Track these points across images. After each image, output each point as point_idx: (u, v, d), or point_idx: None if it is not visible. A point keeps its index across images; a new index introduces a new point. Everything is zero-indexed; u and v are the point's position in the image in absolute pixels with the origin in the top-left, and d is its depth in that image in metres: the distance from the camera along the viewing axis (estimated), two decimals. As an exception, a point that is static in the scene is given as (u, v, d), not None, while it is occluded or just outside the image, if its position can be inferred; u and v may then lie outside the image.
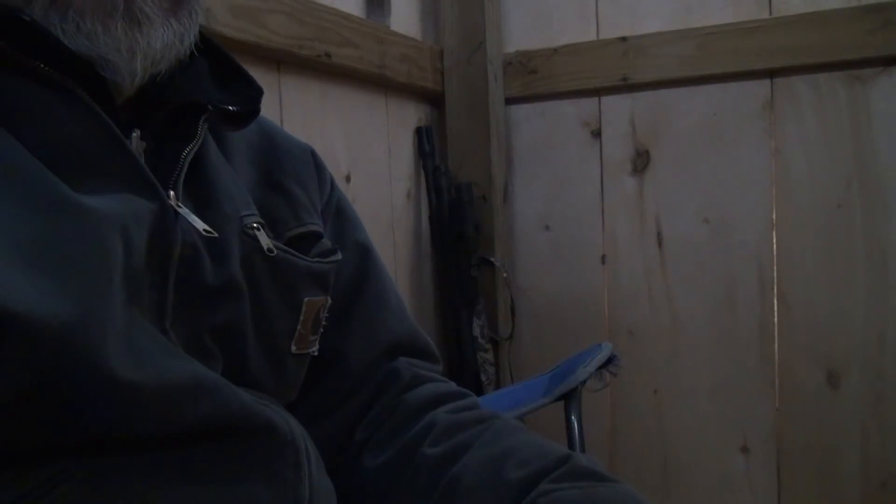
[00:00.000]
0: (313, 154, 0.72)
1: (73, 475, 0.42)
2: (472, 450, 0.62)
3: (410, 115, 1.59)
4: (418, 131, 1.59)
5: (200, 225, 0.51)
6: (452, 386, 0.73)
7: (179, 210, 0.50)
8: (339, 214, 0.73)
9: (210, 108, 0.56)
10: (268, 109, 1.16)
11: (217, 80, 0.60)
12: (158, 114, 0.55)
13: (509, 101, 1.70)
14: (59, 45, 0.46)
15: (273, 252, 0.58)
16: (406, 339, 0.72)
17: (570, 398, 1.15)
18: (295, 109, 1.23)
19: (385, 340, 0.71)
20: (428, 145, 1.58)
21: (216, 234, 0.52)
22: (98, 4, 0.47)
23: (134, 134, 0.51)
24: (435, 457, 0.63)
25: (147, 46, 0.50)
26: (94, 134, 0.47)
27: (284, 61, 1.19)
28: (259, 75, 1.15)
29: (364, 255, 0.73)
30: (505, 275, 1.64)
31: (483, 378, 1.56)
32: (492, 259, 1.62)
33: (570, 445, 1.15)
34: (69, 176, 0.44)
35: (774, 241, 1.53)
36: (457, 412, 0.67)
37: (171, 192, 0.51)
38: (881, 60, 1.43)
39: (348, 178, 1.36)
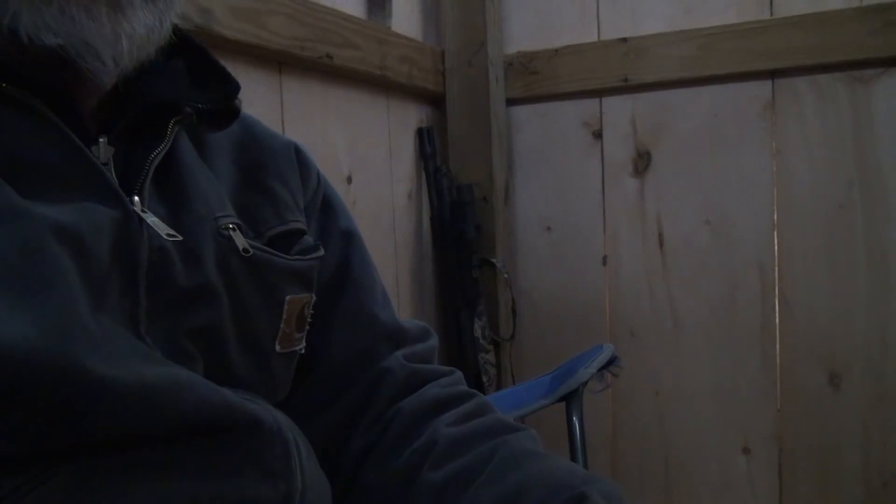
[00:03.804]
0: (297, 150, 0.71)
1: (61, 471, 0.42)
2: (480, 483, 0.59)
3: (411, 117, 1.59)
4: (419, 132, 1.59)
5: (164, 229, 0.51)
6: (455, 384, 0.71)
7: (143, 216, 0.50)
8: (325, 208, 0.72)
9: (183, 108, 0.56)
10: (269, 111, 1.16)
11: (195, 79, 0.60)
12: (128, 117, 0.54)
13: (510, 101, 1.70)
14: (21, 61, 0.47)
15: (249, 252, 0.57)
16: (393, 327, 0.71)
17: (571, 399, 1.15)
18: (296, 111, 1.23)
19: (371, 329, 0.69)
20: (429, 146, 1.58)
21: (180, 238, 0.52)
22: None
23: (101, 140, 0.51)
24: (437, 484, 0.61)
25: (132, 30, 0.49)
26: (54, 145, 0.47)
27: (286, 63, 1.19)
28: (260, 77, 1.16)
29: (348, 241, 0.71)
30: (506, 276, 1.64)
31: (484, 379, 1.56)
32: (493, 260, 1.62)
33: (572, 446, 1.15)
34: (30, 188, 0.44)
35: (776, 241, 1.53)
36: (459, 422, 0.65)
37: (136, 198, 0.51)
38: (882, 61, 1.43)
39: (349, 180, 1.36)
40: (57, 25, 0.47)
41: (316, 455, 0.61)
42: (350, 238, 0.72)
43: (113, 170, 0.51)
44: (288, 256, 0.62)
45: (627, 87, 1.61)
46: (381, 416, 0.67)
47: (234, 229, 0.57)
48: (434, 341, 0.75)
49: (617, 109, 1.64)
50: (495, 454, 0.61)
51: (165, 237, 0.51)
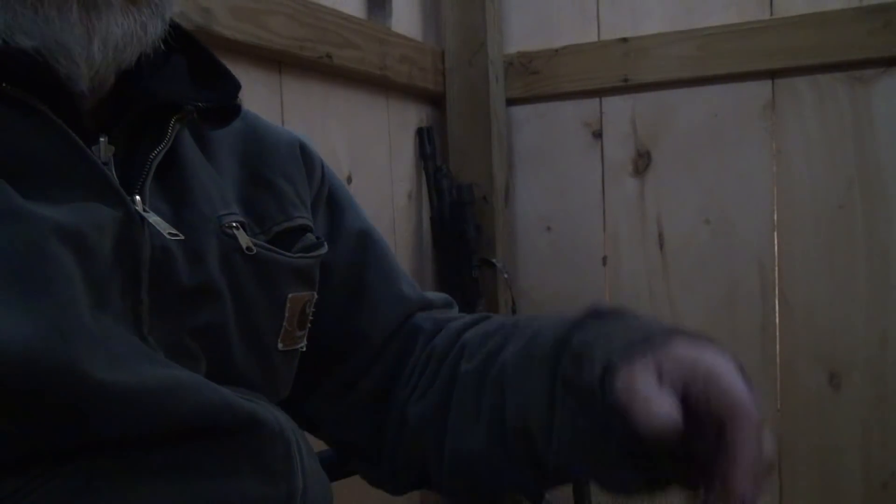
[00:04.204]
0: (301, 146, 0.71)
1: (62, 473, 0.42)
2: (506, 348, 0.62)
3: (411, 117, 1.59)
4: (419, 132, 1.59)
5: (166, 228, 0.51)
6: (474, 315, 0.74)
7: (145, 215, 0.50)
8: (332, 204, 0.72)
9: (183, 107, 0.56)
10: (269, 111, 1.16)
11: (196, 78, 0.60)
12: (128, 116, 0.54)
13: (510, 101, 1.70)
14: (18, 60, 0.46)
15: (252, 250, 0.58)
16: (421, 301, 0.74)
17: (571, 399, 1.15)
18: (296, 111, 1.23)
19: (401, 310, 0.72)
20: (429, 146, 1.58)
21: (181, 237, 0.52)
22: None
23: (101, 139, 0.51)
24: (473, 371, 0.63)
25: (106, 32, 0.49)
26: (54, 145, 0.47)
27: (286, 63, 1.19)
28: (260, 77, 1.16)
29: (363, 238, 0.73)
30: (506, 276, 1.64)
31: (484, 379, 1.56)
32: (493, 260, 1.62)
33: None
34: (31, 188, 0.44)
35: (776, 241, 1.53)
36: (483, 327, 0.69)
37: (137, 197, 0.51)
38: (882, 61, 1.43)
39: (349, 180, 1.36)
40: (31, 26, 0.47)
41: (367, 418, 0.63)
42: (363, 235, 0.73)
43: (113, 169, 0.51)
44: (290, 254, 0.62)
45: (627, 87, 1.61)
46: (419, 360, 0.70)
47: (237, 228, 0.57)
48: (457, 308, 0.78)
49: (617, 109, 1.63)
50: (517, 324, 0.65)
51: (167, 236, 0.51)
